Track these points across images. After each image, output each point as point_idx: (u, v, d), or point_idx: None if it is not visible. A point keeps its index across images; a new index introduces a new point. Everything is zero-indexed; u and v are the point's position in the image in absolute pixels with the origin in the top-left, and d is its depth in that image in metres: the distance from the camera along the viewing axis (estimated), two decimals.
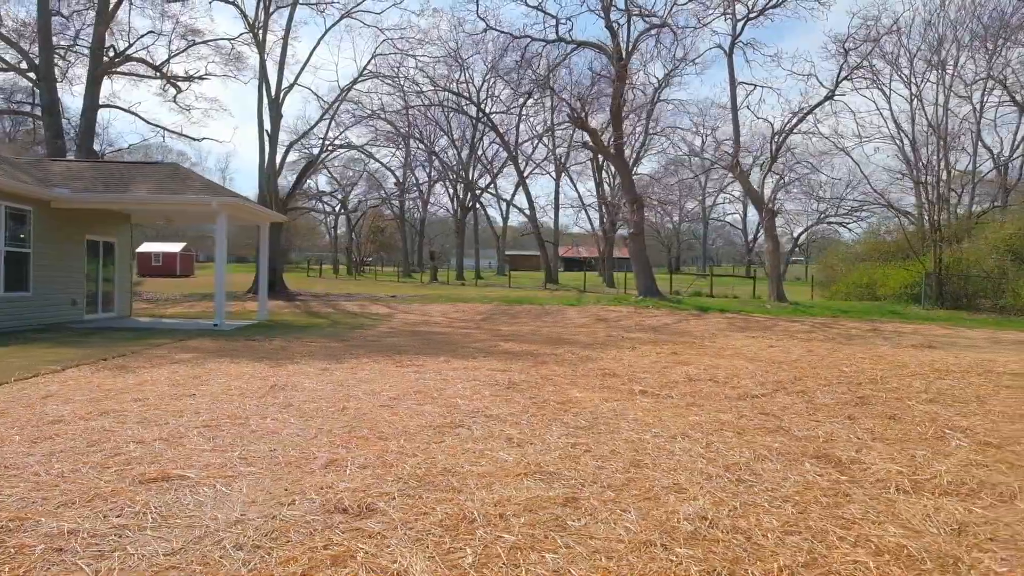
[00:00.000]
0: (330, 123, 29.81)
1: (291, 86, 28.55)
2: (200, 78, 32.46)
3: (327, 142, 30.43)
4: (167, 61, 32.24)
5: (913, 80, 32.51)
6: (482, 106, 42.92)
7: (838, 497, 3.92)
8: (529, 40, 25.54)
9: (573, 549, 3.09)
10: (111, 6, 27.27)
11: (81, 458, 4.42)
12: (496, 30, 25.76)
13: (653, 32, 24.50)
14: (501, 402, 6.67)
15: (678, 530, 3.33)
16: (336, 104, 29.66)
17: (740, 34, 25.89)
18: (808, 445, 5.13)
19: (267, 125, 28.18)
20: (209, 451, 4.64)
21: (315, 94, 59.87)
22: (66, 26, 29.55)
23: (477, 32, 26.61)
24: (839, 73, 26.44)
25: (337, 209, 59.77)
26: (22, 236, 13.47)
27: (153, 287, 33.64)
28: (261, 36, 26.65)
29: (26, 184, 13.12)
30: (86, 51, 28.44)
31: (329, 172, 51.03)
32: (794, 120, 26.80)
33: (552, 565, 2.91)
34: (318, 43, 34.72)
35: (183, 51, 32.30)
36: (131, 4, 28.31)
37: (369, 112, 34.74)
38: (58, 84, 27.92)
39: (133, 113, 28.59)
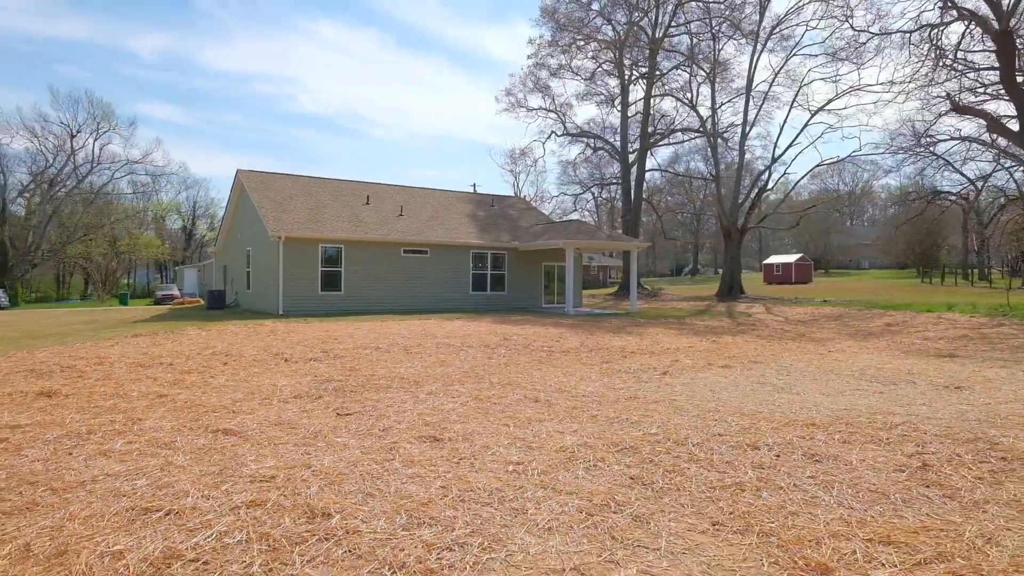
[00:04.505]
0: (773, 161, 33.68)
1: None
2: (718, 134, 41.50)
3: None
4: (708, 119, 42.76)
5: None
6: None
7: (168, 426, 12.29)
8: None
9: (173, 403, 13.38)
10: (652, 105, 40.48)
11: (244, 343, 16.93)
12: None
13: None
14: (463, 351, 15.40)
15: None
16: (797, 136, 33.30)
17: None
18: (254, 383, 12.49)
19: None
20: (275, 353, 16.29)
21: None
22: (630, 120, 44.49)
23: None
24: None
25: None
26: (500, 265, 27.78)
27: (761, 290, 42.86)
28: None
29: (498, 242, 27.31)
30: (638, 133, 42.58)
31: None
32: None
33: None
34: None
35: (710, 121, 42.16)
36: (652, 98, 40.64)
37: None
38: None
39: (664, 169, 40.74)
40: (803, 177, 40.06)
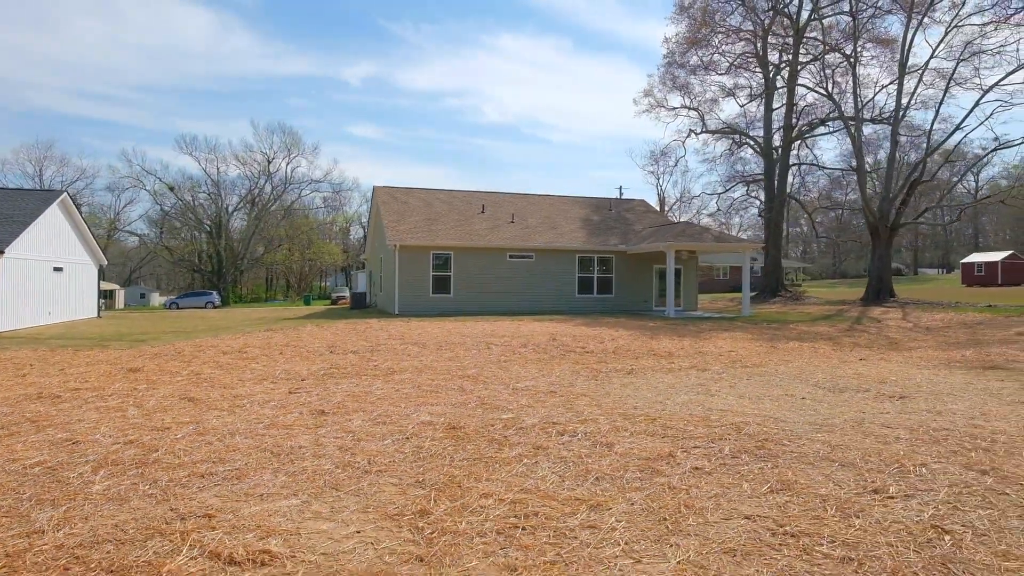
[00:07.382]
0: (930, 151, 29.58)
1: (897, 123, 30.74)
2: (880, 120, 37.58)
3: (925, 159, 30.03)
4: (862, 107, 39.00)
5: None
6: None
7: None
8: None
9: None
10: (796, 97, 38.11)
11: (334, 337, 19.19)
12: None
13: None
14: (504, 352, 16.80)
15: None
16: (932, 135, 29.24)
17: None
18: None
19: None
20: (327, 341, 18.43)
21: None
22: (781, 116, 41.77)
23: None
24: None
25: None
26: (608, 268, 28.32)
27: (947, 294, 38.70)
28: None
29: (605, 245, 27.90)
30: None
31: None
32: None
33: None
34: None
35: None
36: (798, 91, 37.96)
37: None
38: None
39: (815, 164, 37.90)
40: (972, 167, 34.63)
